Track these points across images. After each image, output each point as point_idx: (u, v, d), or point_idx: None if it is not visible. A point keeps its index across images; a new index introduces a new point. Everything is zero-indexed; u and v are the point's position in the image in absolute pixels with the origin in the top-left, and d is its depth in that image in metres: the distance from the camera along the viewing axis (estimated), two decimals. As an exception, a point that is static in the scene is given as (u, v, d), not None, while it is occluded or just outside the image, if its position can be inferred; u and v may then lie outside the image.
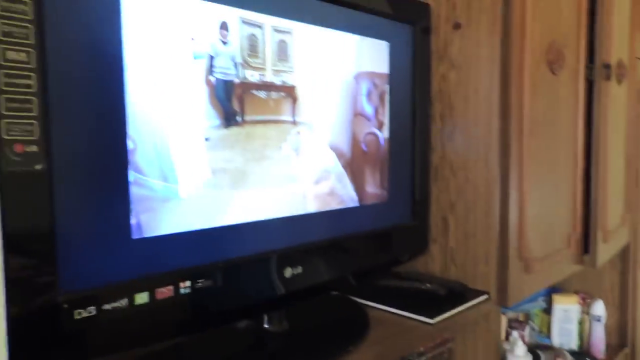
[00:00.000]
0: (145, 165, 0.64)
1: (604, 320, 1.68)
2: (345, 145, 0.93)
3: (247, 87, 0.77)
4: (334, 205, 0.93)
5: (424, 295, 1.07)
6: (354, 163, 0.95)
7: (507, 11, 1.09)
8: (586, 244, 1.43)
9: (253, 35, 0.77)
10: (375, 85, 0.97)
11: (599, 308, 1.69)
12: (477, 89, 1.13)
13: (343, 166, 0.93)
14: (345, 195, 0.94)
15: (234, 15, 0.74)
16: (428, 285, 1.08)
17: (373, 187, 1.00)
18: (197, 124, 0.71)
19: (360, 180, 0.97)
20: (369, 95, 0.96)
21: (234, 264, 0.75)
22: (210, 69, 0.72)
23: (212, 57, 0.72)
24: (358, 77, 0.94)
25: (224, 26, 0.73)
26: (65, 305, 0.56)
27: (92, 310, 0.58)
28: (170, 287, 0.65)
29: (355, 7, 0.94)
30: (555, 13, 1.25)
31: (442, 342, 1.01)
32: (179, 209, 0.68)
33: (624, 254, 1.78)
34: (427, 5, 1.13)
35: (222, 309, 0.74)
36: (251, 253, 0.78)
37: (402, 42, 1.05)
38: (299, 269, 0.84)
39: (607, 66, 1.37)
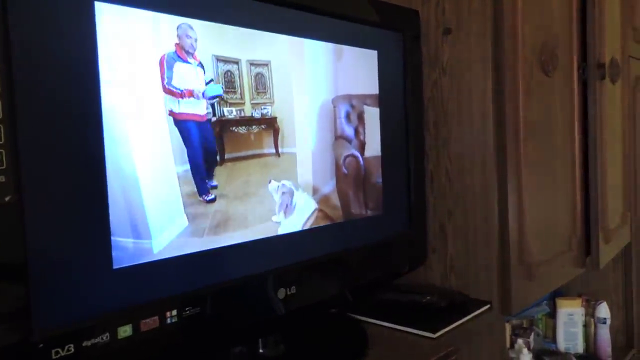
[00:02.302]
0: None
1: (609, 322, 1.66)
2: (329, 170, 0.91)
3: (226, 124, 0.74)
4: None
5: (425, 308, 1.04)
6: (340, 186, 0.93)
7: (497, 13, 1.07)
8: (587, 245, 1.41)
9: (229, 72, 0.74)
10: (353, 106, 0.95)
11: (603, 310, 1.66)
12: (471, 94, 1.11)
13: (330, 191, 0.91)
14: (332, 222, 0.92)
15: (207, 53, 0.72)
16: (428, 297, 1.05)
17: (361, 208, 0.98)
18: (171, 169, 0.67)
19: (349, 201, 0.95)
20: (347, 117, 0.94)
21: (224, 288, 0.72)
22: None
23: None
24: (336, 101, 0.92)
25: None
26: (41, 345, 0.53)
27: (71, 348, 0.54)
28: (156, 318, 0.62)
29: (342, 17, 0.91)
30: (546, 13, 1.23)
31: (445, 356, 0.97)
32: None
33: (626, 254, 1.75)
34: (415, 12, 1.11)
35: (213, 336, 0.71)
36: (241, 276, 0.75)
37: (392, 50, 1.03)
38: (293, 289, 0.81)
39: (601, 65, 1.35)
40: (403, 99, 1.06)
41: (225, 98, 0.74)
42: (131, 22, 0.63)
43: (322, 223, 0.90)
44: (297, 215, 0.85)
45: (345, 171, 0.94)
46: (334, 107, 0.91)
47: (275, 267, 0.80)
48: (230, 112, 0.75)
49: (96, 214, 0.59)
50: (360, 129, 0.97)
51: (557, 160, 1.30)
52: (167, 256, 0.66)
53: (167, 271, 0.65)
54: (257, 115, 0.78)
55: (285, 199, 0.82)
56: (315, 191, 0.88)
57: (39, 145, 0.54)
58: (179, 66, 0.69)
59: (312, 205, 0.88)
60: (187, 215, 0.68)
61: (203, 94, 0.72)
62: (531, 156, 1.17)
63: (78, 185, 0.57)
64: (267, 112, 0.80)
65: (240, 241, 0.75)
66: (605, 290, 1.76)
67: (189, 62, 0.70)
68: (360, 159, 0.97)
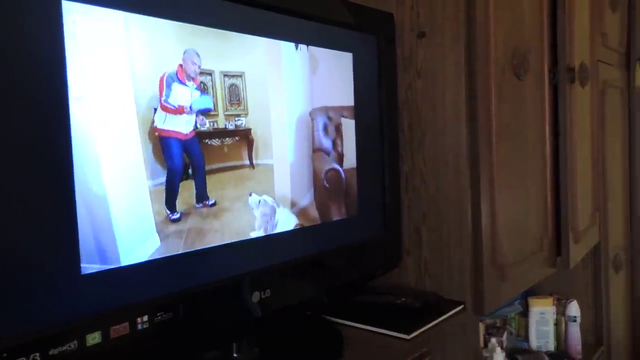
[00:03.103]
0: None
1: (579, 321, 1.69)
2: (307, 182, 0.90)
3: (199, 136, 0.73)
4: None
5: (399, 309, 1.05)
6: (318, 199, 0.92)
7: (470, 18, 1.08)
8: (558, 245, 1.43)
9: (202, 83, 0.73)
10: (330, 118, 0.95)
11: (573, 309, 1.69)
12: (444, 97, 1.12)
13: (307, 203, 0.90)
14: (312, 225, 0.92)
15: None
16: (403, 299, 1.06)
17: (341, 213, 0.98)
18: (142, 184, 0.65)
19: (327, 213, 0.94)
20: (325, 129, 0.94)
21: (196, 292, 0.71)
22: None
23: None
24: (313, 113, 0.92)
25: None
26: (4, 355, 0.51)
27: (37, 357, 0.53)
28: (126, 324, 0.61)
29: (317, 19, 0.91)
30: (518, 19, 1.25)
31: (420, 357, 0.98)
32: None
33: (595, 253, 1.79)
34: (390, 15, 1.12)
35: (186, 341, 0.70)
36: (214, 279, 0.74)
37: (367, 52, 1.03)
38: (268, 293, 0.80)
39: (570, 69, 1.38)
40: (378, 102, 1.06)
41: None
42: (100, 25, 0.62)
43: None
44: (278, 231, 0.84)
45: (327, 185, 0.94)
46: (312, 119, 0.91)
47: (249, 271, 0.79)
48: (203, 124, 0.74)
49: (62, 211, 0.57)
50: (339, 141, 0.97)
51: (529, 163, 1.32)
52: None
53: (138, 276, 0.64)
54: (230, 127, 0.77)
55: (266, 217, 0.81)
56: (293, 204, 0.88)
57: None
58: (176, 86, 0.69)
59: (293, 220, 0.87)
60: (158, 234, 0.67)
61: (190, 107, 0.71)
62: (503, 159, 1.18)
63: (44, 190, 0.56)
64: (241, 123, 0.79)
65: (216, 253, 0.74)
66: (575, 289, 1.80)
67: (186, 85, 0.70)
68: (342, 172, 0.97)
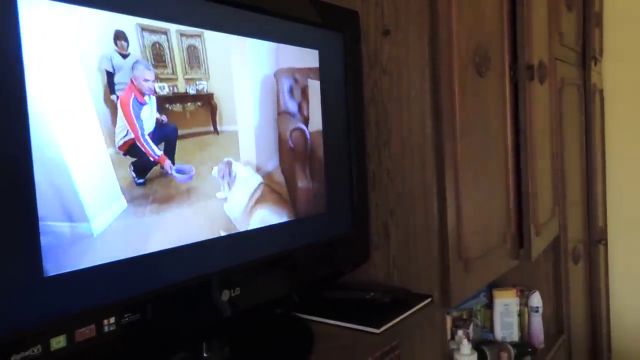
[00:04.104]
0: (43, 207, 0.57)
1: (541, 311, 1.74)
2: (272, 147, 0.89)
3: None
4: (270, 214, 0.89)
5: (369, 304, 1.06)
6: (284, 161, 0.91)
7: (433, 17, 1.10)
8: (520, 238, 1.48)
9: (157, 43, 0.69)
10: (296, 80, 0.93)
11: (535, 299, 1.74)
12: (409, 93, 1.13)
13: (273, 168, 0.89)
14: (279, 199, 0.91)
15: (130, 23, 0.66)
16: (372, 294, 1.07)
17: (306, 184, 0.96)
18: (102, 152, 0.64)
19: (292, 178, 0.93)
20: (291, 91, 0.92)
21: (164, 292, 0.70)
22: (111, 87, 0.64)
23: (110, 73, 0.64)
24: (278, 74, 0.89)
25: (120, 36, 0.65)
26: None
27: (-2, 363, 0.51)
28: (92, 326, 0.59)
29: (282, 16, 0.91)
30: (479, 17, 1.28)
31: (390, 350, 0.99)
32: (95, 244, 0.62)
33: (555, 246, 1.85)
34: (355, 13, 1.13)
35: (155, 342, 0.69)
36: (182, 279, 0.73)
37: (333, 50, 1.04)
38: (237, 291, 0.80)
39: (529, 67, 1.42)
40: (344, 99, 1.07)
41: (155, 73, 0.70)
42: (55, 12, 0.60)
43: (269, 198, 0.87)
44: (242, 188, 0.82)
45: (292, 146, 0.92)
46: (277, 80, 0.89)
47: (218, 269, 0.78)
48: (162, 88, 0.70)
49: (22, 213, 0.55)
50: (304, 104, 0.95)
51: (492, 158, 1.36)
52: (107, 240, 0.63)
53: (104, 277, 0.63)
54: (191, 91, 0.74)
55: (223, 168, 0.79)
56: (258, 168, 0.86)
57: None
58: (143, 113, 0.68)
59: (257, 179, 0.85)
60: (125, 196, 0.66)
61: (176, 170, 0.72)
62: (467, 154, 1.21)
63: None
64: (203, 88, 0.75)
65: (181, 220, 0.73)
66: (537, 281, 1.85)
67: (146, 103, 0.69)
68: (307, 132, 0.95)
